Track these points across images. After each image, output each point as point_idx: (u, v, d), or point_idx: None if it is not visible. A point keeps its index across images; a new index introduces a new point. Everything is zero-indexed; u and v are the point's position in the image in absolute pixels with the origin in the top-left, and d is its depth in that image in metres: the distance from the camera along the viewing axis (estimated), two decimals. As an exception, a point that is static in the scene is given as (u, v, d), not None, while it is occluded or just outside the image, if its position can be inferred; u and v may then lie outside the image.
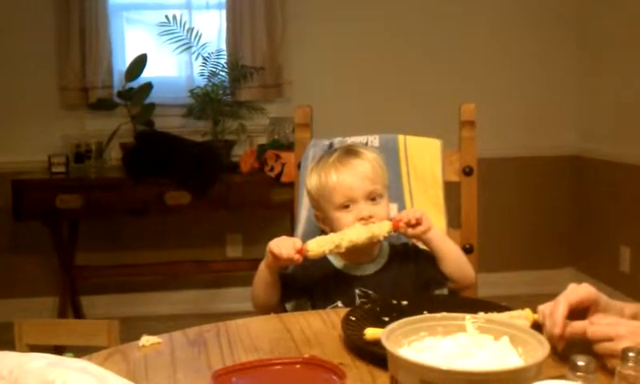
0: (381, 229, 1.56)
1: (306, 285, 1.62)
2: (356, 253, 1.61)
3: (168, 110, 3.81)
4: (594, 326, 1.16)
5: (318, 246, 1.52)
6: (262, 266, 1.59)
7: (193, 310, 3.88)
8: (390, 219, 1.59)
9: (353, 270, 1.64)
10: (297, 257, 1.52)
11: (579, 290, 1.23)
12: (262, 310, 1.58)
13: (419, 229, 1.59)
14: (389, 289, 1.56)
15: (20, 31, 3.75)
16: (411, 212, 1.61)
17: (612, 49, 3.83)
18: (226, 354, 1.25)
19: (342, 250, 1.54)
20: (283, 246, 1.52)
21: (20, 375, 0.92)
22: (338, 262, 1.65)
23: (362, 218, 1.59)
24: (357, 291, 1.60)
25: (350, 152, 1.66)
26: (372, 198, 1.62)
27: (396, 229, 1.58)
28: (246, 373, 1.11)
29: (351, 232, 1.54)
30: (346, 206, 1.60)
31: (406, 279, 1.62)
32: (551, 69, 4.12)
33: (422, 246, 1.78)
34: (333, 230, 1.63)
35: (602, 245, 3.91)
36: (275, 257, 1.52)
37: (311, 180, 1.67)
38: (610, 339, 1.12)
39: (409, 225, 1.58)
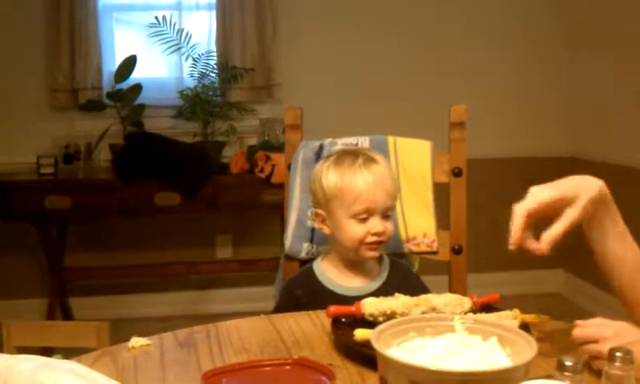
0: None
1: (298, 305, 1.56)
2: (355, 268, 1.60)
3: (158, 111, 3.79)
4: (580, 328, 1.17)
5: (376, 309, 1.33)
6: None
7: (183, 312, 3.87)
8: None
9: (348, 291, 1.58)
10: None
11: (538, 195, 1.25)
12: None
13: None
14: None
15: (9, 32, 3.73)
16: None
17: (603, 49, 3.85)
18: (215, 355, 1.25)
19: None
20: None
21: (9, 377, 0.92)
22: (330, 284, 1.61)
23: (375, 234, 1.55)
24: None
25: (372, 160, 1.58)
26: (387, 213, 1.57)
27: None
28: (235, 374, 1.11)
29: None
30: (364, 219, 1.54)
31: None
32: (542, 70, 4.14)
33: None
34: (335, 234, 1.59)
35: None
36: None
37: (328, 178, 1.58)
38: (595, 341, 1.13)
39: None
